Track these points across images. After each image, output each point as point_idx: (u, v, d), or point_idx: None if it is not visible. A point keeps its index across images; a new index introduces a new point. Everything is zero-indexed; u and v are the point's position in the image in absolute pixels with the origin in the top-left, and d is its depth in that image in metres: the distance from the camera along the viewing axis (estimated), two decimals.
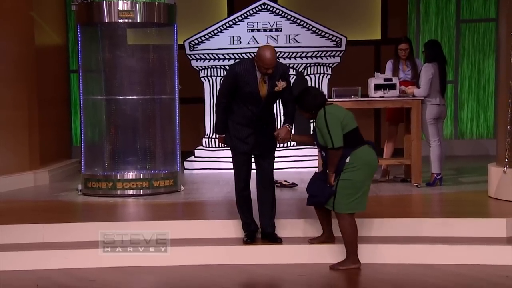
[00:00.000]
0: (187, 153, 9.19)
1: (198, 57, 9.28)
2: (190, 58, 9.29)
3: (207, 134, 9.35)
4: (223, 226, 5.78)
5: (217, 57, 9.26)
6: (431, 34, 10.39)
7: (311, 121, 5.33)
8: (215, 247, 5.53)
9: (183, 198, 7.18)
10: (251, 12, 9.22)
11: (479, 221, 5.72)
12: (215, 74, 9.33)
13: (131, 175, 7.37)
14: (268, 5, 9.22)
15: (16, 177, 8.05)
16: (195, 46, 9.26)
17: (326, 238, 5.42)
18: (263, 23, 9.23)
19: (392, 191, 7.16)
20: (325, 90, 9.16)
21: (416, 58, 8.10)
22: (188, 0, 10.03)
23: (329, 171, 5.13)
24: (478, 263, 5.28)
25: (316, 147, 5.68)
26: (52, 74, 9.22)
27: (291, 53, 9.21)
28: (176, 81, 7.62)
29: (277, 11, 9.23)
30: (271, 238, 5.52)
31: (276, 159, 5.64)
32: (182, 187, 7.57)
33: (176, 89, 7.63)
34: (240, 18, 9.26)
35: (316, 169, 7.54)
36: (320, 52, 9.21)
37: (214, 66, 9.31)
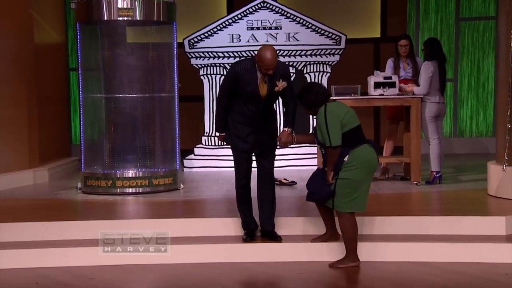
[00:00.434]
0: (187, 151, 9.18)
1: (198, 55, 9.28)
2: (190, 56, 9.28)
3: (206, 132, 9.34)
4: (223, 224, 5.78)
5: (216, 55, 9.25)
6: (431, 32, 10.39)
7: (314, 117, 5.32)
8: (215, 245, 5.53)
9: (182, 196, 7.18)
10: (250, 10, 9.22)
11: (478, 219, 5.72)
12: (215, 72, 9.32)
13: (130, 173, 7.37)
14: (267, 3, 9.21)
15: (16, 175, 8.05)
16: (195, 44, 9.25)
17: (329, 236, 5.40)
18: (262, 21, 9.22)
19: (392, 189, 7.16)
20: None
21: (417, 56, 8.09)
22: None
23: (327, 169, 5.13)
24: (478, 261, 5.28)
25: (316, 145, 5.67)
26: (52, 72, 9.22)
27: (290, 51, 9.20)
28: (176, 79, 7.62)
29: (277, 9, 9.22)
30: (271, 236, 5.52)
31: (276, 157, 5.64)
32: (181, 185, 7.57)
33: (176, 87, 7.63)
34: (239, 16, 9.25)
35: (316, 167, 7.55)
36: (319, 50, 9.21)
37: (213, 64, 9.31)
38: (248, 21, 9.23)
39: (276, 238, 5.51)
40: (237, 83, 5.28)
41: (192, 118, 9.95)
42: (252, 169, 5.53)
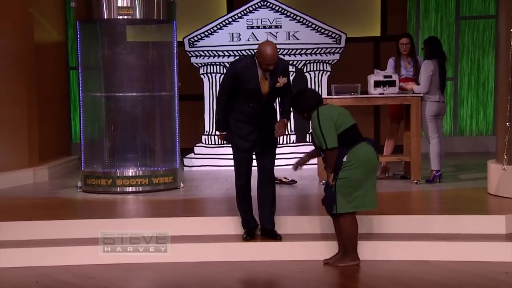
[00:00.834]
0: (187, 150, 9.19)
1: (198, 54, 9.28)
2: (190, 55, 9.28)
3: (206, 131, 9.34)
4: (223, 223, 5.78)
5: (216, 54, 9.25)
6: (431, 31, 10.39)
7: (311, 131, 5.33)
8: (215, 244, 5.53)
9: (182, 195, 7.18)
10: (250, 9, 9.22)
11: (478, 217, 5.72)
12: (215, 71, 9.32)
13: (130, 172, 7.37)
14: (267, 2, 9.21)
15: (16, 174, 8.05)
16: (195, 43, 9.25)
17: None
18: (262, 20, 9.22)
19: (392, 188, 7.16)
20: (324, 87, 9.17)
21: (418, 55, 8.08)
22: None
23: (327, 172, 5.12)
24: (478, 260, 5.28)
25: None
26: (52, 71, 9.22)
27: (290, 50, 9.20)
28: (176, 78, 7.62)
29: (277, 8, 9.22)
30: (271, 235, 5.52)
31: (276, 156, 5.63)
32: (181, 184, 7.57)
33: (176, 86, 7.63)
34: (239, 15, 9.25)
35: (316, 165, 7.55)
36: (319, 49, 9.21)
37: (213, 63, 9.30)
38: (248, 20, 9.23)
39: (276, 237, 5.51)
40: (237, 81, 5.27)
41: (192, 117, 9.94)
42: (252, 168, 5.53)
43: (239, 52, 9.20)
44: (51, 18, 9.38)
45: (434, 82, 7.31)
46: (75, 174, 8.42)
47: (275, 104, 5.58)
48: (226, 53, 9.24)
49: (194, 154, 9.26)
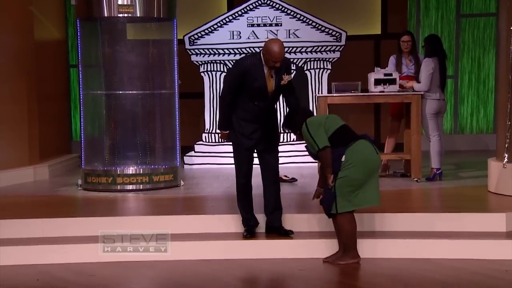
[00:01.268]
0: (187, 148, 9.19)
1: (198, 52, 9.27)
2: (190, 53, 9.28)
3: (207, 129, 9.35)
4: (223, 221, 5.78)
5: (217, 52, 9.25)
6: (431, 29, 10.38)
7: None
8: (215, 242, 5.53)
9: (183, 193, 7.18)
10: (251, 7, 9.21)
11: (478, 215, 5.72)
12: (215, 69, 9.32)
13: (131, 170, 7.37)
14: None
15: (16, 171, 8.05)
16: (195, 41, 9.25)
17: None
18: (263, 18, 9.21)
19: (392, 186, 7.16)
20: (325, 85, 9.17)
21: (419, 53, 8.07)
22: None
23: (326, 173, 5.12)
24: (478, 258, 5.28)
25: None
26: (52, 68, 9.21)
27: (291, 48, 9.19)
28: (176, 76, 7.62)
29: (277, 5, 9.21)
30: (281, 232, 5.51)
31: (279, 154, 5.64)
32: (182, 182, 7.57)
33: (176, 84, 7.63)
34: (240, 13, 9.24)
35: (316, 162, 7.55)
36: (320, 47, 9.20)
37: (214, 61, 9.30)
38: (248, 18, 9.23)
39: (288, 233, 5.49)
40: (244, 79, 5.25)
41: (193, 115, 9.95)
42: (253, 166, 5.54)
43: (239, 50, 9.20)
44: (51, 16, 9.38)
45: (434, 80, 7.31)
46: (75, 172, 8.42)
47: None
48: (227, 51, 9.23)
49: (195, 152, 9.26)
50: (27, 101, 8.35)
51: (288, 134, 9.13)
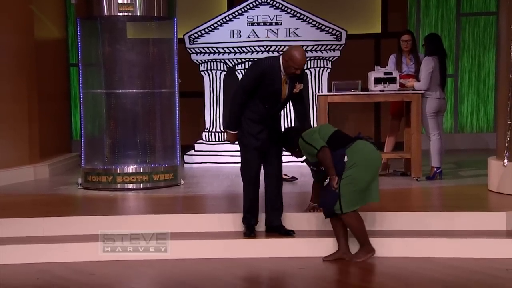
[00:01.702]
0: (187, 147, 9.19)
1: (198, 51, 9.27)
2: (190, 52, 9.27)
3: (207, 128, 9.34)
4: (223, 220, 5.78)
5: (217, 51, 9.25)
6: (431, 28, 10.38)
7: (304, 159, 5.45)
8: (215, 241, 5.53)
9: (183, 192, 7.18)
10: (251, 5, 9.21)
11: (478, 214, 5.72)
12: (215, 68, 9.32)
13: (131, 169, 7.37)
14: None
15: (16, 170, 8.05)
16: (195, 39, 9.24)
17: (343, 254, 5.30)
18: (263, 17, 9.21)
19: (392, 185, 7.16)
20: (325, 84, 9.17)
21: (419, 52, 8.07)
22: None
23: (329, 175, 5.12)
24: (478, 257, 5.29)
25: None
26: (52, 67, 9.21)
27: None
28: (176, 75, 7.61)
29: (277, 4, 9.21)
30: (282, 231, 5.52)
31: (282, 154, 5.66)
32: (182, 181, 7.57)
33: (176, 83, 7.63)
34: (240, 11, 9.24)
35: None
36: (320, 46, 9.20)
37: (214, 60, 9.30)
38: (248, 17, 9.22)
39: (289, 233, 5.50)
40: (261, 81, 5.25)
41: (193, 114, 9.95)
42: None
43: (239, 49, 9.20)
44: (52, 14, 9.37)
45: (434, 79, 7.31)
46: (75, 171, 8.42)
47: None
48: (227, 50, 9.23)
49: (195, 151, 9.26)
50: (27, 100, 8.34)
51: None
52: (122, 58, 7.59)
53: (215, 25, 9.23)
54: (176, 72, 7.61)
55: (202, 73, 9.34)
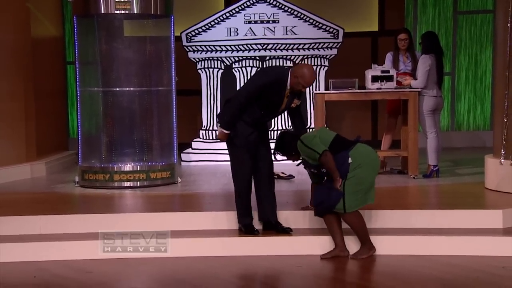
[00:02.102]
0: (184, 145, 9.18)
1: (195, 49, 9.26)
2: (187, 50, 9.27)
3: (204, 126, 9.34)
4: (221, 218, 5.78)
5: (214, 49, 9.24)
6: (428, 26, 10.39)
7: (299, 163, 5.49)
8: (213, 239, 5.53)
9: (180, 190, 7.18)
10: (248, 3, 9.20)
11: (475, 212, 5.73)
12: (212, 66, 9.31)
13: (128, 167, 7.36)
14: None
15: (13, 169, 8.05)
16: (192, 37, 9.24)
17: (339, 251, 5.31)
18: (260, 15, 9.20)
19: (389, 183, 7.17)
20: (322, 82, 9.17)
21: (416, 50, 8.08)
22: None
23: (334, 177, 5.15)
24: (475, 254, 5.30)
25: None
26: (49, 65, 9.20)
27: (288, 45, 9.19)
28: (173, 73, 7.61)
29: (274, 2, 9.20)
30: (279, 229, 5.53)
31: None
32: (179, 179, 7.57)
33: (173, 81, 7.62)
34: (237, 9, 9.23)
35: None
36: (317, 44, 9.20)
37: (211, 58, 9.29)
38: (245, 15, 9.21)
39: (286, 231, 5.51)
40: (266, 90, 5.31)
41: (190, 111, 9.95)
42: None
43: (236, 47, 9.19)
44: (48, 12, 9.36)
45: (431, 77, 7.32)
46: (72, 169, 8.41)
47: None
48: (224, 48, 9.22)
49: (192, 149, 9.26)
50: (24, 98, 8.33)
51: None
52: (119, 56, 7.58)
53: (212, 23, 9.23)
54: (173, 70, 7.60)
55: (199, 71, 9.34)
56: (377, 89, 7.42)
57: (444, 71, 7.73)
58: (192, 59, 9.31)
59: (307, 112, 9.08)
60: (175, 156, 7.65)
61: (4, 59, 8.06)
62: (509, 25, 6.32)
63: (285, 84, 5.32)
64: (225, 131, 5.45)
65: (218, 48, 9.23)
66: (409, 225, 5.65)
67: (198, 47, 9.25)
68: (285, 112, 5.69)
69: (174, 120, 7.63)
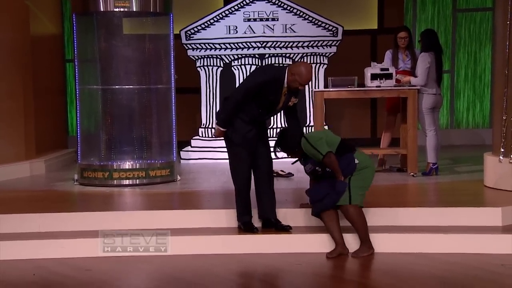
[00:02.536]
0: (184, 143, 9.19)
1: (194, 47, 9.26)
2: (186, 48, 9.26)
3: (203, 124, 9.34)
4: (220, 216, 5.78)
5: (213, 47, 9.24)
6: (428, 24, 10.38)
7: (295, 161, 5.55)
8: (212, 237, 5.53)
9: (179, 188, 7.18)
10: (247, 1, 9.20)
11: (474, 210, 5.73)
12: (211, 64, 9.31)
13: (127, 165, 7.36)
14: None
15: (12, 166, 8.05)
16: (191, 35, 9.23)
17: (342, 248, 5.32)
18: (259, 13, 9.20)
19: (388, 181, 7.18)
20: (321, 80, 9.17)
21: (415, 48, 8.08)
22: None
23: (337, 178, 5.22)
24: (474, 252, 5.30)
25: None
26: (48, 63, 9.20)
27: (287, 43, 9.19)
28: (172, 70, 7.61)
29: (273, 0, 9.20)
30: (279, 227, 5.54)
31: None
32: (178, 177, 7.57)
33: (172, 79, 7.62)
34: (236, 7, 9.23)
35: None
36: (316, 42, 9.20)
37: (210, 56, 9.29)
38: (245, 13, 9.21)
39: (285, 228, 5.52)
40: (263, 89, 5.31)
41: (189, 110, 9.95)
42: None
43: (236, 45, 9.19)
44: (47, 10, 9.36)
45: (430, 74, 7.32)
46: (71, 167, 8.41)
47: None
48: (223, 46, 9.22)
49: (191, 147, 9.26)
50: (23, 96, 8.33)
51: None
52: (118, 54, 7.57)
53: (212, 21, 9.23)
54: (172, 68, 7.60)
55: (199, 69, 9.34)
56: (376, 87, 7.42)
57: (443, 69, 7.73)
58: (191, 57, 9.31)
59: (306, 110, 9.09)
60: (174, 154, 7.65)
61: (3, 58, 8.06)
62: (508, 23, 6.32)
63: (283, 82, 5.32)
64: (222, 129, 5.46)
65: (217, 46, 9.23)
66: (408, 223, 5.65)
67: (197, 45, 9.24)
68: (282, 112, 5.70)
69: (173, 118, 7.63)
